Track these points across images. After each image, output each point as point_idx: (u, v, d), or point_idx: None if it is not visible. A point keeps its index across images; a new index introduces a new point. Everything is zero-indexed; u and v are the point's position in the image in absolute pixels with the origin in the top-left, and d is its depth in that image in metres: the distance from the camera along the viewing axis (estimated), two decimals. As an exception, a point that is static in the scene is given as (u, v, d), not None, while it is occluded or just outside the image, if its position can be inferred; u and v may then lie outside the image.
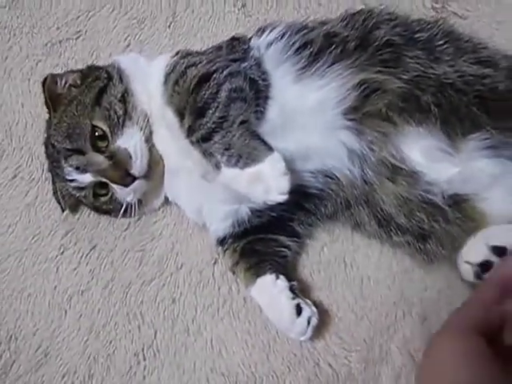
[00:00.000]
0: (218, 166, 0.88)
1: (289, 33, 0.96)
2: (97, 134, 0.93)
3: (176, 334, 1.02)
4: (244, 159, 0.85)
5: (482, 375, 0.74)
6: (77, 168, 0.94)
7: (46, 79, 1.00)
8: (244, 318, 1.01)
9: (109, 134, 0.93)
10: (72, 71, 1.03)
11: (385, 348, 0.98)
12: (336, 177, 0.93)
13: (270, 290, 0.93)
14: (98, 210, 1.03)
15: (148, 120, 0.97)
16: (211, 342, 1.00)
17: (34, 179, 1.12)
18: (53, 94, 0.99)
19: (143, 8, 1.20)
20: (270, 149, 0.86)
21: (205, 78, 0.90)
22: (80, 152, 0.94)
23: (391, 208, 0.92)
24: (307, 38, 0.95)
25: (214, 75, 0.91)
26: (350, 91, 0.90)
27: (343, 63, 0.92)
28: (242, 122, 0.87)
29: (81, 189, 0.97)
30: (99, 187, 0.97)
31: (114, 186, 0.95)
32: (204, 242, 1.05)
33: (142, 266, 1.05)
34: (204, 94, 0.89)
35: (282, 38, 0.96)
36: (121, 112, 0.95)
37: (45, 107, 1.01)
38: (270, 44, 0.95)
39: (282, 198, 0.84)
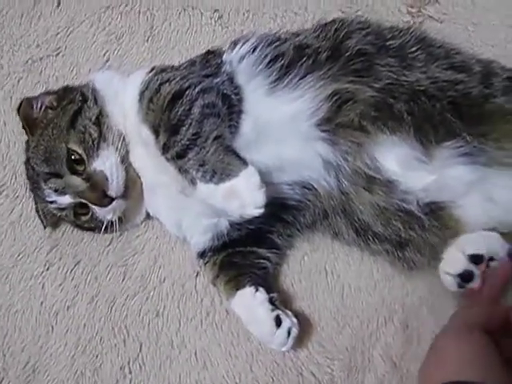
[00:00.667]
0: (193, 182, 0.89)
1: (261, 45, 0.96)
2: (73, 157, 0.95)
3: (161, 347, 1.03)
4: (218, 174, 0.86)
5: (488, 368, 0.77)
6: (56, 190, 0.96)
7: (21, 104, 1.01)
8: (227, 330, 1.02)
9: (85, 157, 0.95)
10: (48, 93, 1.04)
11: (367, 355, 0.99)
12: (313, 187, 0.94)
13: (250, 302, 0.94)
14: (80, 227, 1.04)
15: (124, 140, 0.97)
16: (195, 354, 1.01)
17: (18, 197, 1.13)
18: (29, 119, 1.00)
19: (121, 23, 1.21)
20: (245, 163, 0.87)
21: (178, 95, 0.91)
22: (58, 175, 0.95)
23: (368, 217, 0.92)
24: (279, 51, 0.95)
25: (187, 92, 0.91)
26: (323, 102, 0.90)
27: (315, 75, 0.92)
28: (216, 138, 0.88)
29: (61, 209, 0.98)
30: (79, 207, 0.98)
31: (93, 206, 0.96)
32: (186, 255, 1.06)
33: (125, 281, 1.06)
34: (177, 111, 0.90)
35: (254, 51, 0.96)
36: (95, 135, 0.96)
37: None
38: (242, 58, 0.96)
39: (258, 211, 0.85)
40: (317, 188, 0.94)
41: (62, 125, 0.96)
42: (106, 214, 0.97)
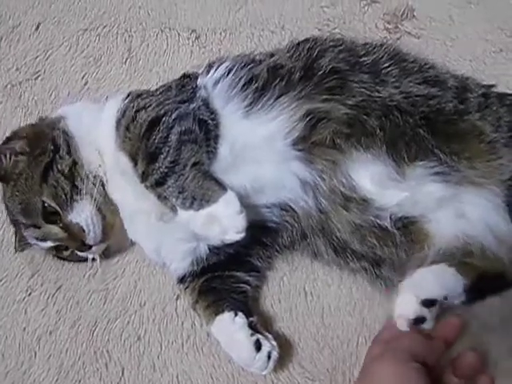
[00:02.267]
0: (173, 209, 0.89)
1: (235, 68, 0.96)
2: (48, 210, 0.95)
3: (143, 371, 1.03)
4: (198, 201, 0.86)
5: None
6: (36, 238, 0.98)
7: None
8: (208, 352, 1.02)
9: (59, 210, 0.95)
10: (18, 137, 1.02)
11: (348, 375, 0.99)
12: (291, 208, 0.94)
13: (229, 327, 0.94)
14: (62, 259, 1.06)
15: (100, 183, 0.97)
16: (177, 377, 1.01)
17: (-2, 223, 1.13)
18: (1, 170, 0.99)
19: (99, 45, 1.22)
20: (224, 188, 0.87)
21: (154, 123, 0.91)
22: (36, 226, 0.97)
23: (346, 235, 0.93)
24: (253, 73, 0.95)
25: (164, 119, 0.91)
26: (297, 122, 0.91)
27: (289, 95, 0.92)
28: (194, 164, 0.88)
29: (43, 248, 1.01)
30: (63, 249, 1.01)
31: (75, 250, 0.99)
32: (166, 278, 1.06)
33: (106, 305, 1.06)
34: (154, 139, 0.90)
35: (228, 74, 0.96)
36: (68, 188, 0.96)
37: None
38: (216, 82, 0.96)
39: (239, 236, 0.86)
40: (295, 209, 0.94)
41: (35, 177, 0.96)
42: (87, 254, 1.00)
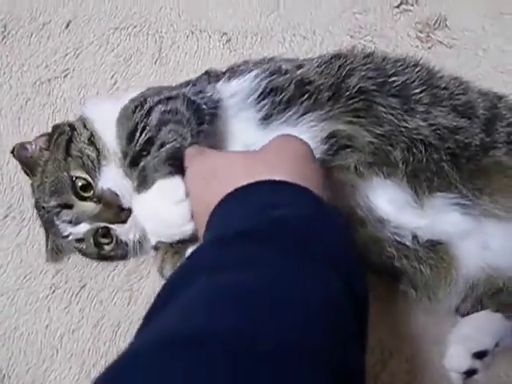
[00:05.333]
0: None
1: (259, 78, 0.93)
2: (79, 184, 0.93)
3: (164, 373, 1.02)
4: (144, 183, 0.81)
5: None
6: (70, 222, 0.93)
7: (13, 149, 1.01)
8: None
9: (90, 180, 0.93)
10: (41, 135, 1.03)
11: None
12: None
13: None
14: (104, 258, 1.02)
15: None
16: (199, 381, 1.01)
17: (25, 219, 1.13)
18: (26, 160, 1.00)
19: (129, 45, 1.21)
20: (173, 173, 0.80)
21: (141, 103, 0.89)
22: (67, 206, 0.93)
23: (362, 248, 0.89)
24: (278, 85, 0.92)
25: (149, 99, 0.89)
26: (320, 143, 0.88)
27: (315, 114, 0.89)
28: (170, 149, 0.82)
29: (79, 240, 0.96)
30: (101, 236, 0.95)
31: (114, 226, 0.94)
32: (191, 281, 1.06)
33: (130, 306, 1.06)
34: (135, 118, 0.87)
35: (251, 83, 0.93)
36: (93, 154, 0.93)
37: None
38: (236, 93, 0.93)
39: (182, 229, 0.79)
40: None
41: (59, 157, 0.95)
42: (128, 231, 0.94)
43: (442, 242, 0.89)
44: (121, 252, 0.99)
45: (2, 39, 1.26)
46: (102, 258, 1.02)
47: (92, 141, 0.95)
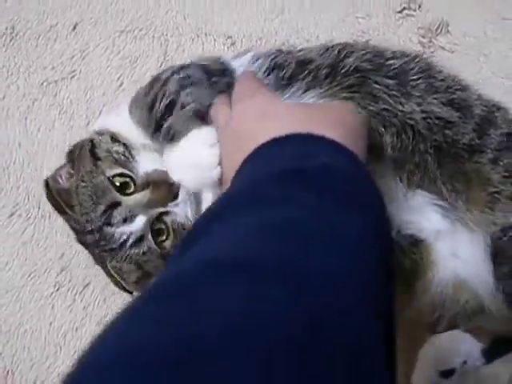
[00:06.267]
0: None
1: (263, 57, 0.95)
2: (118, 183, 0.89)
3: (166, 371, 1.04)
4: (176, 136, 0.83)
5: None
6: (125, 220, 0.87)
7: (47, 184, 0.95)
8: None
9: (128, 172, 0.89)
10: (60, 166, 0.97)
11: None
12: None
13: None
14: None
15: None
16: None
17: (30, 217, 1.15)
18: (61, 192, 0.94)
19: (135, 47, 1.23)
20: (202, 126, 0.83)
21: (155, 79, 0.91)
22: (116, 204, 0.88)
23: None
24: (281, 61, 0.94)
25: (162, 74, 0.91)
26: None
27: (315, 91, 0.90)
28: (192, 106, 0.84)
29: (139, 243, 0.89)
30: (157, 234, 0.90)
31: (168, 208, 0.89)
32: (193, 281, 1.07)
33: (133, 304, 1.08)
34: (154, 90, 0.88)
35: (255, 61, 0.95)
36: (122, 148, 0.91)
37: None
38: (241, 66, 0.95)
39: (215, 172, 0.80)
40: None
41: (88, 167, 0.91)
42: (183, 209, 0.90)
43: (422, 239, 0.89)
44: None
45: (10, 40, 1.27)
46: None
47: (115, 138, 0.92)
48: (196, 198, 0.92)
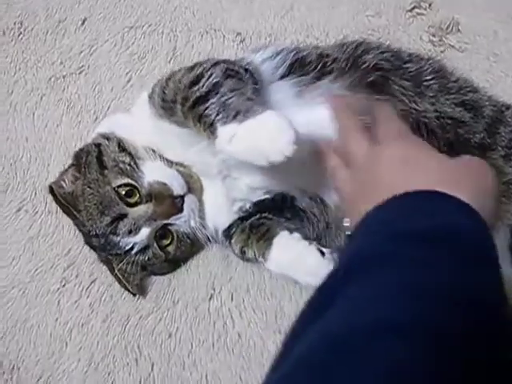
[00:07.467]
0: (212, 131, 0.81)
1: (284, 52, 0.96)
2: (123, 192, 0.92)
3: (172, 368, 1.03)
4: (243, 113, 0.78)
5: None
6: (130, 232, 0.92)
7: (52, 189, 0.99)
8: (238, 353, 1.02)
9: (133, 182, 0.93)
10: (65, 170, 1.01)
11: None
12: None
13: (288, 242, 0.92)
14: (175, 262, 1.03)
15: (153, 150, 0.96)
16: (206, 377, 1.02)
17: (37, 212, 1.15)
18: (67, 196, 0.98)
19: (144, 43, 1.23)
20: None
21: (193, 67, 0.90)
22: (121, 216, 0.92)
23: None
24: (303, 54, 0.95)
25: (205, 63, 0.89)
26: None
27: (336, 84, 0.91)
28: (237, 91, 0.83)
29: (144, 250, 0.95)
30: (160, 239, 0.95)
31: (172, 220, 0.94)
32: (200, 278, 1.07)
33: (139, 300, 1.07)
34: (196, 71, 0.87)
35: (276, 56, 0.95)
36: (128, 158, 0.94)
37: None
38: (264, 61, 0.95)
39: (291, 148, 0.74)
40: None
41: (94, 175, 0.94)
42: (187, 219, 0.94)
43: None
44: (187, 247, 0.99)
45: (19, 35, 1.28)
46: (174, 263, 1.03)
47: (122, 146, 0.95)
48: (201, 208, 0.97)
